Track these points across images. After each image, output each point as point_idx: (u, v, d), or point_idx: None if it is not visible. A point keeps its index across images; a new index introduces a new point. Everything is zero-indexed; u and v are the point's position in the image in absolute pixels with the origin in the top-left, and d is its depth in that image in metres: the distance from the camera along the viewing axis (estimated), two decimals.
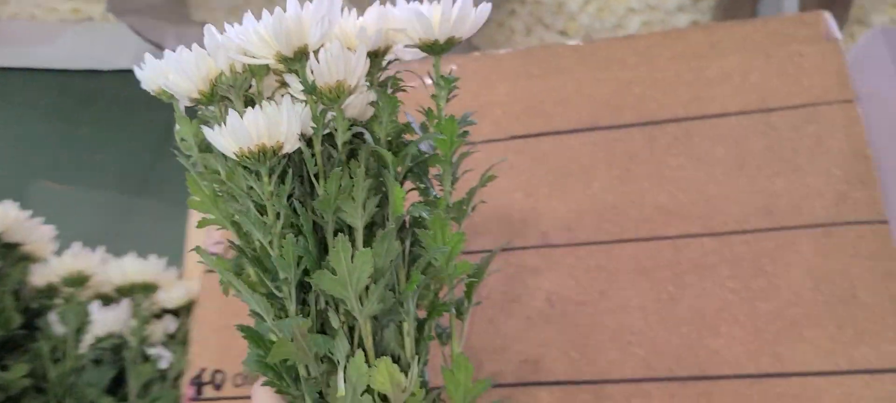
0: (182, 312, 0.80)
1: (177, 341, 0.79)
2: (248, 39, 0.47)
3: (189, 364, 0.74)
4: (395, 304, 0.49)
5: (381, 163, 0.51)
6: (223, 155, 0.48)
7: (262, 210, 0.48)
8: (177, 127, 0.52)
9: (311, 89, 0.47)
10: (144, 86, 0.51)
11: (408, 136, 0.53)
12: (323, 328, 0.49)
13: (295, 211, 0.48)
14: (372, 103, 0.51)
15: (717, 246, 0.70)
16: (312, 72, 0.47)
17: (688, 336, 0.68)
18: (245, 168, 0.47)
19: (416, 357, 0.50)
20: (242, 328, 0.51)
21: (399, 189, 0.49)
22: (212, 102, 0.50)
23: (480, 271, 0.55)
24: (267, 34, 0.46)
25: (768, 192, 0.71)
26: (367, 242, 0.48)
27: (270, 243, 0.48)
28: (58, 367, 0.74)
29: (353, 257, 0.46)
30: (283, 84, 0.51)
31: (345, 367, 0.47)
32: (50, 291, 0.79)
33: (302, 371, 0.49)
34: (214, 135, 0.46)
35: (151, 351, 0.77)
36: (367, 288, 0.47)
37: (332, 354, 0.48)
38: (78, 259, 0.78)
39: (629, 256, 0.71)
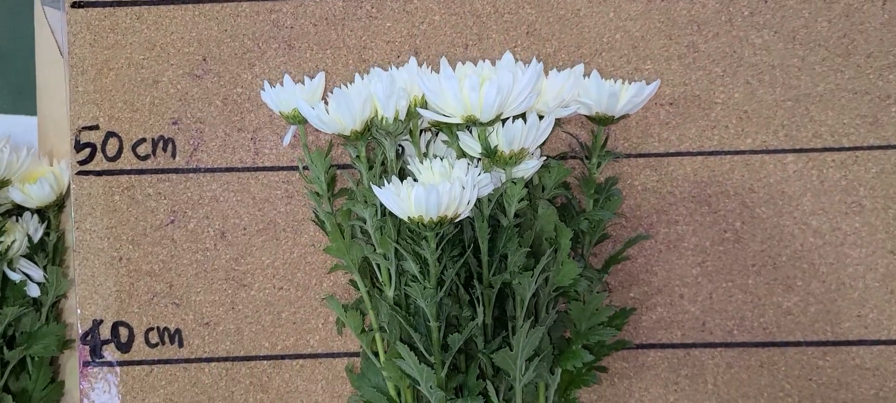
0: (50, 212, 0.57)
1: (45, 252, 0.57)
2: (441, 97, 0.45)
3: (77, 312, 0.53)
4: (544, 373, 0.47)
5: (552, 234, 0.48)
6: (373, 206, 0.47)
7: (422, 270, 0.45)
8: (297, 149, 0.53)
9: (491, 154, 0.45)
10: (270, 104, 0.49)
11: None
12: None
13: (457, 275, 0.47)
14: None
15: (802, 166, 0.53)
16: (495, 136, 0.45)
17: (755, 291, 0.53)
18: (409, 230, 0.46)
19: None
20: (352, 376, 0.51)
21: (573, 266, 0.47)
22: (360, 141, 0.47)
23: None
24: (468, 97, 0.44)
25: (879, 95, 0.53)
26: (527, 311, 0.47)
27: (430, 310, 0.45)
28: None
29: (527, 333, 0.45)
30: (434, 130, 0.49)
31: None
32: None
33: None
34: (390, 197, 0.44)
35: (13, 274, 0.54)
36: (528, 359, 0.45)
37: None
38: None
39: (687, 175, 0.53)
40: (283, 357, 0.53)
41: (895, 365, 0.53)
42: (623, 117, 0.49)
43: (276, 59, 0.54)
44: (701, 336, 0.53)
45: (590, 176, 0.50)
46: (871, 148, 0.53)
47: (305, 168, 0.50)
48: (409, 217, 0.43)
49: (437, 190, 0.42)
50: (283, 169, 0.54)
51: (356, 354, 0.53)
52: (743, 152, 0.54)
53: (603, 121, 0.49)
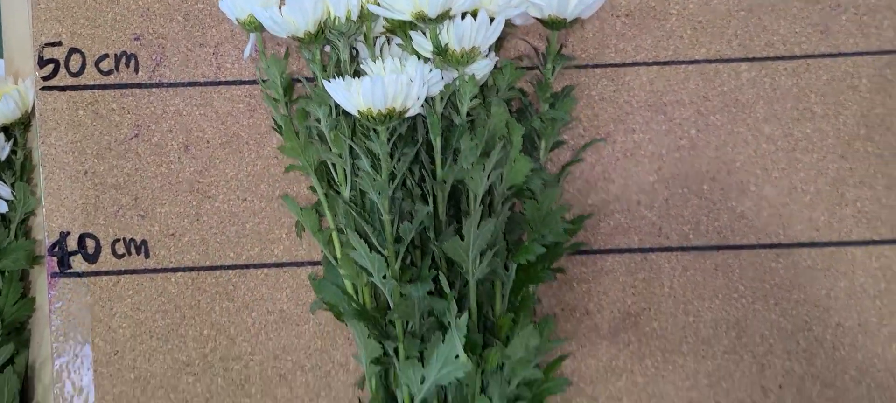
0: (16, 130, 0.57)
1: (12, 170, 0.57)
2: None
3: (43, 225, 0.54)
4: (498, 268, 0.49)
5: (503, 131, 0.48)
6: (327, 105, 0.48)
7: (374, 165, 0.47)
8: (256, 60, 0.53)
9: (442, 52, 0.46)
10: (228, 11, 0.50)
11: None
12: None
13: (411, 172, 0.48)
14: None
15: (755, 74, 0.54)
16: (446, 34, 0.46)
17: (710, 196, 0.54)
18: (360, 126, 0.47)
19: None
20: (314, 282, 0.53)
21: (525, 161, 0.48)
22: (314, 43, 0.48)
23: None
24: None
25: (830, 3, 0.54)
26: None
27: (383, 203, 0.46)
28: None
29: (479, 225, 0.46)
30: (389, 36, 0.50)
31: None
32: None
33: (399, 328, 0.48)
34: (340, 91, 0.45)
35: None
36: (482, 253, 0.47)
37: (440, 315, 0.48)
38: None
39: (643, 84, 0.54)
40: (247, 267, 0.54)
41: (845, 266, 0.54)
42: (576, 22, 0.50)
43: None
44: (658, 240, 0.55)
45: (545, 81, 0.52)
46: (821, 56, 0.55)
47: (264, 79, 0.51)
48: (358, 110, 0.44)
49: (382, 80, 0.43)
50: (244, 83, 0.55)
51: (319, 262, 0.54)
52: (697, 61, 0.55)
53: (556, 24, 0.50)
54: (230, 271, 0.54)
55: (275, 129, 0.52)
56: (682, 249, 0.55)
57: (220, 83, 0.55)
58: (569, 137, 0.55)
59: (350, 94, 0.45)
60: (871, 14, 0.55)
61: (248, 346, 0.54)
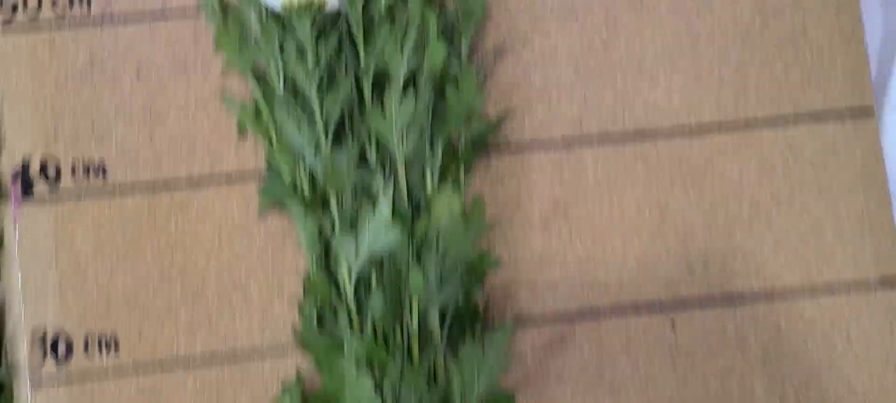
0: None
1: None
2: None
3: (5, 155, 0.58)
4: (424, 148, 0.53)
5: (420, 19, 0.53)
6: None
7: (300, 57, 0.51)
8: None
9: None
10: None
11: None
12: None
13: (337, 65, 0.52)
14: None
15: None
16: None
17: (623, 89, 0.59)
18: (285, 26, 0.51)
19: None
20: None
21: (439, 45, 0.53)
22: None
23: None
24: None
25: None
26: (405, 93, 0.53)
27: (310, 87, 0.51)
28: None
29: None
30: None
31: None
32: None
33: (333, 204, 0.52)
34: None
35: None
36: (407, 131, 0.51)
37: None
38: None
39: None
40: (200, 182, 0.58)
41: (761, 143, 0.59)
42: None
43: None
44: (579, 132, 0.59)
45: None
46: None
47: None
48: (281, 5, 0.49)
49: None
50: (190, 12, 0.59)
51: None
52: None
53: None
54: (184, 187, 0.58)
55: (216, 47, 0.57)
56: (602, 141, 0.59)
57: (166, 14, 0.59)
58: (490, 40, 0.60)
59: None
60: None
61: (203, 257, 0.58)
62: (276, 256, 0.58)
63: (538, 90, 0.59)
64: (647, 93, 0.59)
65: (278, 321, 0.58)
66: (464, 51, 0.56)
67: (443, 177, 0.54)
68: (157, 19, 0.60)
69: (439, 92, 0.54)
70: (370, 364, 0.50)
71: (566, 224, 0.59)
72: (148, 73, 0.59)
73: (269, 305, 0.58)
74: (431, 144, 0.53)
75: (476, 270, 0.54)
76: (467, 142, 0.54)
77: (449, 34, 0.56)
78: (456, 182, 0.53)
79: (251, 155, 0.59)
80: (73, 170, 0.58)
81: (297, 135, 0.50)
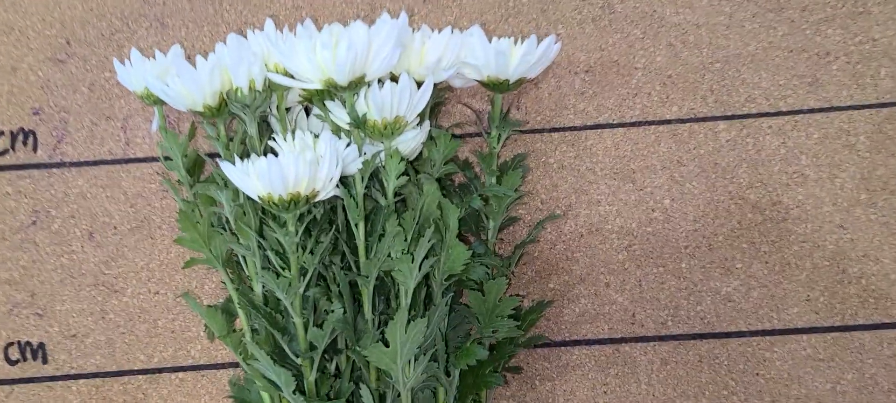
0: None
1: None
2: (295, 60, 0.40)
3: None
4: (437, 374, 0.42)
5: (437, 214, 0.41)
6: (231, 189, 0.41)
7: (282, 258, 0.40)
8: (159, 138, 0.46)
9: (361, 124, 0.40)
10: (125, 83, 0.44)
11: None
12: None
13: (325, 266, 0.41)
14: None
15: (735, 134, 0.48)
16: (366, 103, 0.40)
17: (690, 276, 0.47)
18: (264, 212, 0.41)
19: None
20: (235, 387, 0.46)
21: (461, 248, 0.41)
22: (217, 117, 0.42)
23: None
24: (321, 57, 0.39)
25: (817, 52, 0.48)
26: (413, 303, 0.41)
27: (292, 304, 0.40)
28: None
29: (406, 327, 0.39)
30: (306, 104, 0.44)
31: None
32: None
33: None
34: (237, 174, 0.39)
35: None
36: (415, 358, 0.40)
37: None
38: None
39: (607, 148, 0.48)
40: (160, 371, 0.48)
41: (852, 355, 0.47)
42: (521, 82, 0.43)
43: (147, 39, 0.49)
44: (631, 329, 0.47)
45: (490, 151, 0.45)
46: (811, 111, 0.48)
47: (167, 157, 0.44)
48: (259, 196, 0.38)
49: (279, 163, 0.37)
50: (157, 159, 0.49)
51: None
52: (669, 121, 0.48)
53: (498, 87, 0.44)
54: (140, 376, 0.48)
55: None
56: (660, 339, 0.47)
57: (129, 160, 0.49)
58: (525, 212, 0.48)
59: (248, 178, 0.38)
60: (866, 62, 0.48)
61: None
62: None
63: (582, 274, 0.48)
64: (719, 283, 0.47)
65: None
66: (491, 237, 0.45)
67: (461, 401, 0.42)
68: (118, 166, 0.49)
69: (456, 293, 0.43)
70: None
71: None
72: (103, 233, 0.48)
73: None
74: (447, 369, 0.41)
75: None
76: (489, 361, 0.42)
77: (473, 220, 0.44)
78: None
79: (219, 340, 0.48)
80: (7, 354, 0.48)
81: (269, 365, 0.39)
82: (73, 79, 0.49)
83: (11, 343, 0.48)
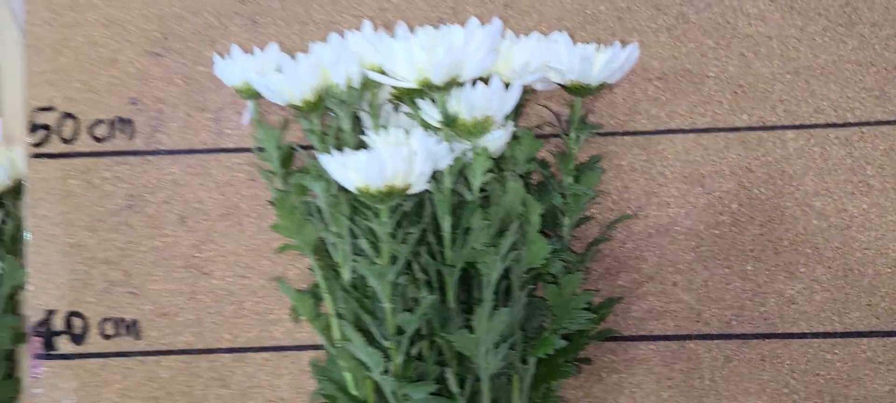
0: (6, 200, 0.54)
1: (1, 243, 0.54)
2: (393, 59, 0.42)
3: (27, 302, 0.50)
4: (514, 362, 0.44)
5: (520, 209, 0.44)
6: (325, 180, 0.44)
7: (374, 247, 0.43)
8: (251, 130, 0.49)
9: (451, 122, 0.42)
10: (223, 77, 0.47)
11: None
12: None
13: (417, 255, 0.43)
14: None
15: (803, 143, 0.49)
16: (455, 102, 0.42)
17: (755, 278, 0.49)
18: (357, 203, 0.43)
19: None
20: (316, 368, 0.47)
21: (542, 243, 0.43)
22: (313, 112, 0.44)
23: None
24: (419, 59, 0.41)
25: (885, 66, 0.49)
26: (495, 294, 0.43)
27: (383, 290, 0.42)
28: None
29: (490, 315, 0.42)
30: (396, 103, 0.47)
31: None
32: None
33: None
34: (335, 166, 0.41)
35: None
36: (495, 345, 0.42)
37: None
38: None
39: (678, 153, 0.50)
40: (245, 350, 0.50)
41: None
42: (602, 88, 0.46)
43: (239, 36, 0.51)
44: (696, 327, 0.49)
45: (568, 151, 0.47)
46: (877, 123, 0.50)
47: (260, 148, 0.47)
48: (356, 188, 0.40)
49: (379, 155, 0.39)
50: (246, 150, 0.51)
51: (321, 347, 0.50)
52: (739, 129, 0.50)
53: (579, 91, 0.46)
54: (226, 355, 0.50)
55: (271, 204, 0.48)
56: (724, 337, 0.49)
57: (220, 150, 0.51)
58: (596, 212, 0.50)
59: (346, 170, 0.40)
60: None
61: None
62: None
63: (650, 272, 0.50)
64: (784, 285, 0.49)
65: None
66: (566, 233, 0.47)
67: (533, 392, 0.44)
68: (209, 155, 0.51)
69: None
70: None
71: None
72: (194, 219, 0.51)
73: None
74: (523, 357, 0.44)
75: None
76: (564, 351, 0.44)
77: (550, 217, 0.47)
78: (548, 399, 0.44)
79: (304, 323, 0.50)
80: (102, 329, 0.50)
81: (361, 345, 0.41)
82: (169, 72, 0.52)
83: (107, 319, 0.51)
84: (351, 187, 0.41)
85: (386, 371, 0.41)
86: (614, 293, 0.50)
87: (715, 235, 0.50)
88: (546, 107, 0.50)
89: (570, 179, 0.47)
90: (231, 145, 0.51)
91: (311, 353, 0.50)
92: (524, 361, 0.44)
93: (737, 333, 0.50)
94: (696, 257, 0.50)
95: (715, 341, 0.50)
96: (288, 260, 0.51)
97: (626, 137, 0.51)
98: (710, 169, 0.50)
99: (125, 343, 0.50)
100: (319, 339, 0.50)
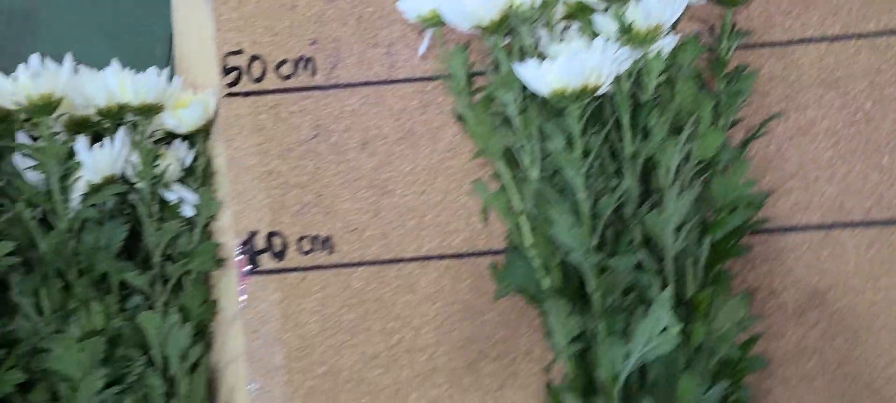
0: (198, 138, 0.60)
1: (195, 177, 0.60)
2: None
3: (232, 225, 0.56)
4: (693, 243, 0.49)
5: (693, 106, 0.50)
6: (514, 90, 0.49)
7: (568, 143, 0.48)
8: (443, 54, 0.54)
9: (627, 31, 0.48)
10: (407, 9, 0.52)
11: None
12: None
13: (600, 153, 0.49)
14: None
15: None
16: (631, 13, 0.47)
17: (890, 169, 0.54)
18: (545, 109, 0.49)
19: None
20: (496, 271, 0.53)
21: (716, 134, 0.49)
22: (496, 32, 0.50)
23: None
24: None
25: None
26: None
27: (576, 181, 0.48)
28: (51, 235, 0.55)
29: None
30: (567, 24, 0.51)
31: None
32: (5, 124, 0.57)
33: (598, 304, 0.48)
34: (530, 72, 0.47)
35: (169, 195, 0.57)
36: (678, 227, 0.48)
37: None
38: (42, 76, 0.55)
39: (812, 61, 0.54)
40: (428, 259, 0.55)
41: None
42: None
43: None
44: (839, 216, 0.54)
45: (720, 58, 0.52)
46: None
47: (445, 75, 0.53)
48: (551, 90, 0.46)
49: (579, 56, 0.44)
50: (417, 80, 0.56)
51: (498, 252, 0.55)
52: (868, 35, 0.55)
53: (730, 2, 0.50)
54: (411, 263, 0.56)
55: (459, 120, 0.54)
56: (866, 224, 0.54)
57: (393, 81, 0.56)
58: (741, 115, 0.55)
59: (543, 74, 0.46)
60: None
61: (432, 337, 0.55)
62: (510, 339, 0.55)
63: (793, 169, 0.55)
64: None
65: None
66: (723, 129, 0.52)
67: (706, 272, 0.49)
68: (384, 86, 0.57)
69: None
70: None
71: (824, 314, 0.54)
72: (374, 143, 0.56)
73: (502, 390, 0.55)
74: (700, 239, 0.49)
75: (739, 371, 0.50)
76: (732, 234, 0.49)
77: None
78: (723, 277, 0.49)
79: (480, 231, 0.56)
80: (300, 245, 0.56)
81: (565, 231, 0.47)
82: (342, 14, 0.57)
83: (303, 237, 0.56)
84: (545, 91, 0.46)
85: (588, 250, 0.47)
86: (762, 189, 0.55)
87: (852, 132, 0.55)
88: (700, 20, 0.55)
89: (723, 84, 0.52)
90: (403, 76, 0.57)
91: (488, 259, 0.55)
92: (700, 243, 0.49)
93: (877, 220, 0.54)
94: (835, 153, 0.55)
95: (857, 228, 0.54)
96: (461, 175, 0.56)
97: (762, 49, 0.56)
98: (844, 73, 0.55)
99: (320, 257, 0.56)
100: (494, 246, 0.55)
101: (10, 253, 0.52)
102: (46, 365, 0.53)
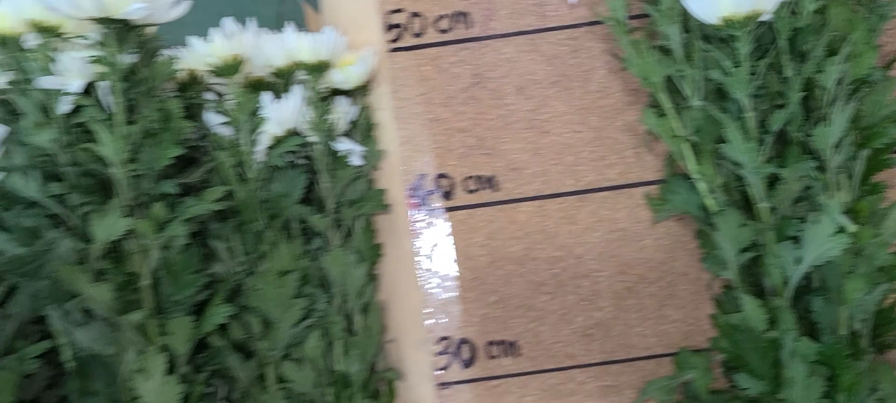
0: (357, 94, 0.64)
1: (357, 130, 0.64)
2: None
3: (403, 167, 0.60)
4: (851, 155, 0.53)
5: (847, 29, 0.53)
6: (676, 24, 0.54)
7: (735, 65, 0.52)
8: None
9: None
10: None
11: None
12: None
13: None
14: None
15: None
16: None
17: None
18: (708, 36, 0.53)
19: None
20: (652, 200, 0.58)
21: (872, 52, 0.52)
22: None
23: None
24: None
25: None
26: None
27: (743, 100, 0.51)
28: (246, 183, 0.59)
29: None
30: None
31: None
32: (193, 85, 0.62)
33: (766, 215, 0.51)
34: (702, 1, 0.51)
35: (339, 146, 0.62)
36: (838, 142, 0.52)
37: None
38: (231, 39, 0.59)
39: None
40: (586, 192, 0.60)
41: None
42: None
43: None
44: None
45: None
46: None
47: (593, 23, 0.58)
48: (721, 18, 0.49)
49: None
50: (567, 27, 0.61)
51: (652, 182, 0.59)
52: None
53: None
54: (571, 197, 0.60)
55: (616, 58, 0.58)
56: None
57: (545, 30, 0.61)
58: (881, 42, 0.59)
59: (716, 2, 0.50)
60: None
61: (594, 264, 0.59)
62: (666, 262, 0.59)
63: None
64: None
65: (672, 326, 0.59)
66: None
67: (864, 182, 0.53)
68: (536, 35, 0.61)
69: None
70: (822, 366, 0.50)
71: None
72: (530, 88, 0.61)
73: (663, 310, 0.59)
74: (854, 153, 0.52)
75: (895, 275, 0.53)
76: (884, 149, 0.53)
77: None
78: (878, 188, 0.53)
79: (633, 164, 0.60)
80: (466, 185, 0.60)
81: (738, 147, 0.51)
82: None
83: (469, 177, 0.61)
84: (714, 18, 0.50)
85: (759, 164, 0.51)
86: None
87: None
88: None
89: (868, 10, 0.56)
90: (553, 24, 0.61)
91: (642, 189, 0.60)
92: (854, 157, 0.53)
93: None
94: None
95: None
96: (612, 114, 0.60)
97: None
98: None
99: (486, 194, 0.60)
100: (646, 177, 0.59)
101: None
102: (246, 303, 0.58)
